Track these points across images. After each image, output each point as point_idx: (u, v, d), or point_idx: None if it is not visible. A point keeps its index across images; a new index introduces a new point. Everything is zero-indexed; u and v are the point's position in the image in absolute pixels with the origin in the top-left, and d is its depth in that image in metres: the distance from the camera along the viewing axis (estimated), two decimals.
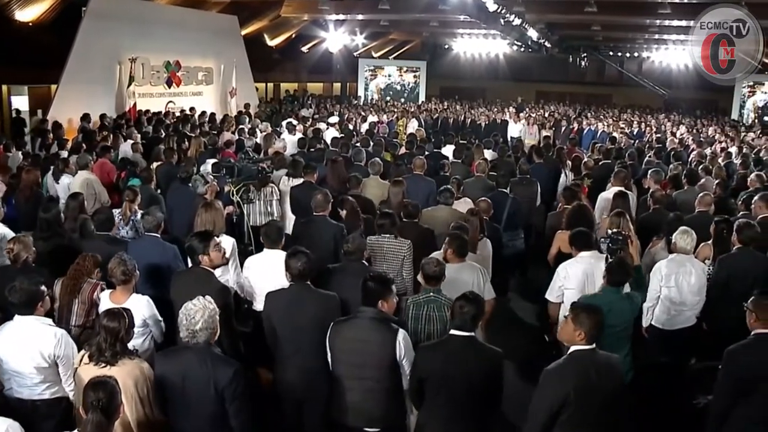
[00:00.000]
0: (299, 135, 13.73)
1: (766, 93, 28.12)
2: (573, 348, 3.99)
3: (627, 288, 5.09)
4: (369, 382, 4.37)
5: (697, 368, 5.52)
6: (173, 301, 5.05)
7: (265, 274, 5.74)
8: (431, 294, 4.97)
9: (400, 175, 8.93)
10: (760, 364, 4.16)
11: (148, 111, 16.79)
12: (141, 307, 4.99)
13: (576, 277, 5.67)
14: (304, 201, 7.45)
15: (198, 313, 4.01)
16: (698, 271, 5.97)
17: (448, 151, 11.82)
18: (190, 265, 5.70)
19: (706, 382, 5.02)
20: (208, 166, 9.59)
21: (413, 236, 6.55)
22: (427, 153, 11.37)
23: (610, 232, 5.36)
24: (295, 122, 15.94)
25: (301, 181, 8.54)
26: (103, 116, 15.20)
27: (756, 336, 4.26)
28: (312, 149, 11.63)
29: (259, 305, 5.82)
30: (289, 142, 12.78)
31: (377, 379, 4.35)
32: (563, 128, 21.20)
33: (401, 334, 4.33)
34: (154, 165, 9.99)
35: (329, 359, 4.53)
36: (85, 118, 14.70)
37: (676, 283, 5.88)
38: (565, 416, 3.83)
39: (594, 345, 3.97)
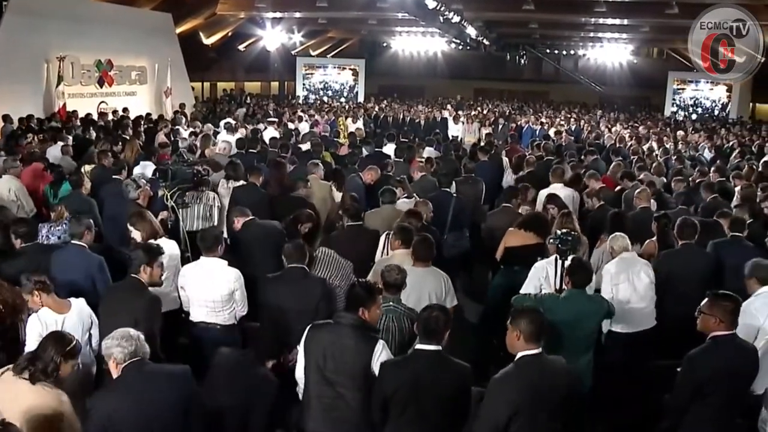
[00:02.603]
0: (239, 135, 13.40)
1: (696, 90, 28.91)
2: (519, 354, 3.86)
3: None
4: (341, 389, 4.19)
5: (650, 368, 5.46)
6: (99, 317, 4.88)
7: (201, 282, 5.51)
8: (390, 303, 4.78)
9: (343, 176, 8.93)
10: (719, 368, 4.13)
11: (75, 111, 16.15)
12: (86, 307, 4.90)
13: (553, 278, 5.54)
14: (246, 203, 7.28)
15: (131, 330, 3.86)
16: (646, 268, 5.93)
17: (389, 150, 11.70)
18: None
19: (659, 381, 5.00)
20: (142, 169, 9.27)
21: (358, 238, 6.37)
22: (367, 153, 11.25)
23: (559, 232, 5.26)
24: (233, 122, 15.58)
25: (242, 182, 8.33)
26: (30, 117, 14.54)
27: (714, 339, 4.21)
28: (252, 150, 11.35)
29: (194, 315, 5.60)
30: (229, 142, 12.44)
31: (349, 387, 4.18)
32: (501, 126, 21.30)
33: (380, 344, 4.17)
34: (87, 168, 9.57)
35: (301, 363, 4.35)
36: (7, 118, 14.01)
37: (628, 280, 5.80)
38: (515, 427, 3.72)
39: (540, 349, 3.86)
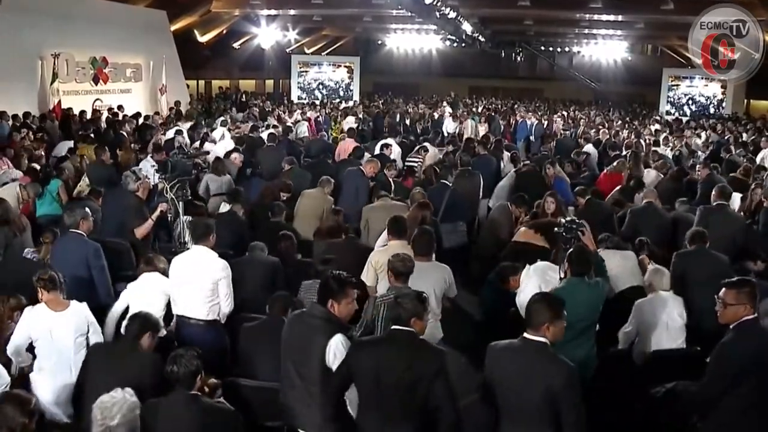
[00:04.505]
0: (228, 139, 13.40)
1: (690, 86, 28.91)
2: (526, 334, 3.82)
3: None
4: (306, 383, 4.12)
5: (652, 359, 5.44)
6: (84, 382, 4.54)
7: (186, 271, 5.34)
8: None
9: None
10: (750, 355, 4.05)
11: (70, 109, 16.15)
12: (85, 311, 4.80)
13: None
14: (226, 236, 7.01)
15: (115, 406, 3.62)
16: (680, 308, 5.66)
17: (394, 153, 11.76)
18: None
19: (662, 372, 4.99)
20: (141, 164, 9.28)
21: (351, 253, 6.34)
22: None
23: (563, 220, 5.25)
24: (229, 121, 15.63)
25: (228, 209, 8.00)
26: (26, 115, 14.50)
27: (739, 326, 4.12)
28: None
29: (175, 308, 5.41)
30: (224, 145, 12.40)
31: (312, 381, 4.09)
32: (502, 124, 21.31)
33: (337, 338, 4.01)
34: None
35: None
36: (3, 116, 13.90)
37: (662, 324, 5.57)
38: (494, 396, 3.81)
39: (545, 340, 3.75)
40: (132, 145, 11.77)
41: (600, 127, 19.52)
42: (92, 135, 13.20)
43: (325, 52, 34.33)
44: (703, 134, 18.78)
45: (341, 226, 7.34)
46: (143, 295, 5.50)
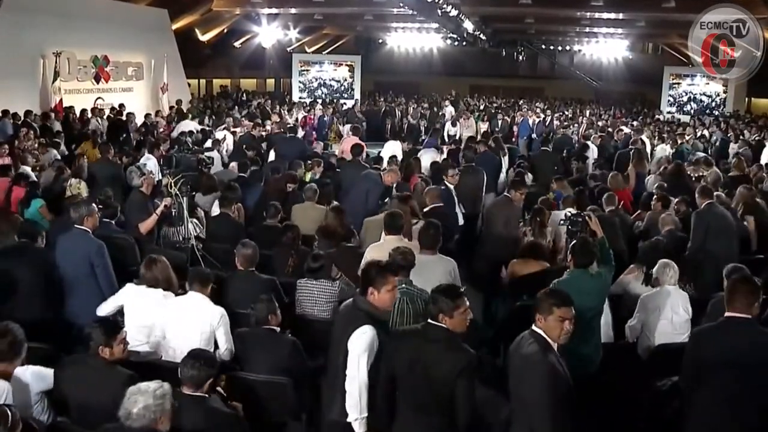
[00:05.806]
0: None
1: (691, 85, 28.84)
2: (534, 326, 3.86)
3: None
4: (336, 372, 4.13)
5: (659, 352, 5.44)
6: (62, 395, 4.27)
7: (178, 320, 5.11)
8: (403, 285, 4.69)
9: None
10: (727, 350, 4.02)
11: (72, 107, 16.15)
12: (30, 380, 4.21)
13: None
14: (223, 237, 7.07)
15: (142, 395, 3.49)
16: (684, 302, 5.62)
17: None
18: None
19: (668, 365, 4.98)
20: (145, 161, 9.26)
21: (351, 261, 6.31)
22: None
23: (568, 213, 5.25)
24: (231, 123, 15.65)
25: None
26: (28, 113, 14.50)
27: (727, 319, 4.10)
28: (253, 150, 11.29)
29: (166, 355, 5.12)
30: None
31: (341, 370, 4.07)
32: (499, 120, 21.32)
33: (364, 328, 3.97)
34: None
35: None
36: (6, 114, 13.90)
37: (667, 318, 5.55)
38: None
39: (541, 331, 3.79)
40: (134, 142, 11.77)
41: (597, 127, 19.59)
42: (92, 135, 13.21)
43: (326, 51, 34.30)
44: (705, 132, 18.79)
45: (340, 227, 7.16)
46: (139, 306, 5.29)
